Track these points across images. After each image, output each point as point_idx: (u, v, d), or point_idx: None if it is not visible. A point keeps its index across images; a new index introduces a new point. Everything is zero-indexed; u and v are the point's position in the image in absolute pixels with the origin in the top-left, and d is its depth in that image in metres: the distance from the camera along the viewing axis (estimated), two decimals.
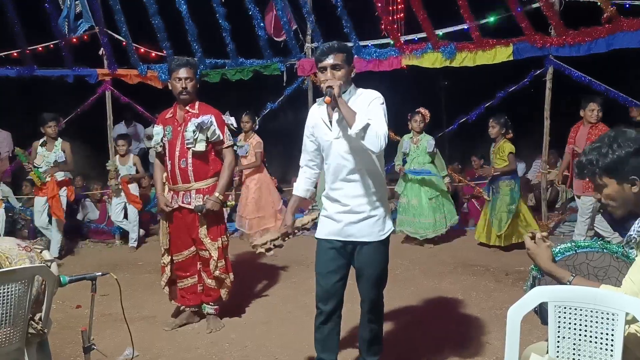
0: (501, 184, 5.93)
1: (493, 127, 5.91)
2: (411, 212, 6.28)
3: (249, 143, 6.63)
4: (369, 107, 2.67)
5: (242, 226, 6.75)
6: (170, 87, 3.90)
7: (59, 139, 6.06)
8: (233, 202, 5.74)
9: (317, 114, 2.87)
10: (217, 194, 3.82)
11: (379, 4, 6.87)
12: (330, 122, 2.78)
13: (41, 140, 6.01)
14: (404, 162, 6.39)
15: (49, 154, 5.96)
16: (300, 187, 3.04)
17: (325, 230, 2.88)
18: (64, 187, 6.09)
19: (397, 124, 5.86)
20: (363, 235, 2.81)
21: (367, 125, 2.53)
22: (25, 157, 6.14)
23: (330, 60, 2.67)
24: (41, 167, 5.95)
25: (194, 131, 3.75)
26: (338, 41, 2.79)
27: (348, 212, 2.80)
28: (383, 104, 2.72)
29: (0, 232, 5.98)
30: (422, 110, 6.32)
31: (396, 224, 6.36)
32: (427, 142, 6.21)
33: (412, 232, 6.28)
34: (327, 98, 2.55)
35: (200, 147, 3.78)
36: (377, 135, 2.55)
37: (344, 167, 2.76)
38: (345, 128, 2.69)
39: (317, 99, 2.92)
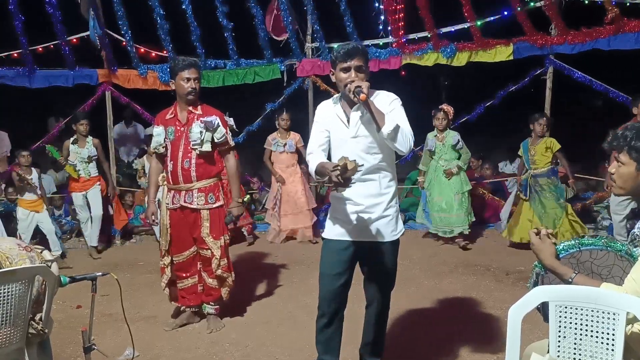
0: (542, 181, 5.77)
1: (546, 125, 5.72)
2: (435, 208, 6.13)
3: (292, 138, 6.63)
4: (390, 108, 2.68)
5: (273, 222, 6.68)
6: (173, 88, 3.89)
7: (89, 136, 6.19)
8: (248, 197, 5.71)
9: (331, 110, 2.83)
10: (237, 199, 3.94)
11: (380, 4, 6.88)
12: (348, 120, 2.76)
13: (72, 139, 6.16)
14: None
15: (82, 150, 6.10)
16: (319, 159, 2.74)
17: (336, 230, 2.84)
18: (98, 182, 6.23)
19: None
20: (376, 236, 2.79)
21: (398, 126, 2.55)
22: (57, 151, 6.24)
23: (355, 62, 2.66)
24: (75, 164, 6.11)
25: (201, 132, 3.75)
26: (359, 43, 2.81)
27: (361, 212, 2.77)
28: (402, 104, 2.74)
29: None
30: (444, 106, 6.10)
31: (417, 218, 6.34)
32: (452, 137, 6.03)
33: (434, 228, 6.14)
34: (363, 95, 2.51)
35: (207, 147, 3.79)
36: (406, 137, 2.60)
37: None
38: (364, 128, 2.70)
39: (333, 97, 2.90)
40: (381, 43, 7.37)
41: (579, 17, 6.55)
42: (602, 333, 1.81)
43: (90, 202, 6.20)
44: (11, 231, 6.11)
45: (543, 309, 2.09)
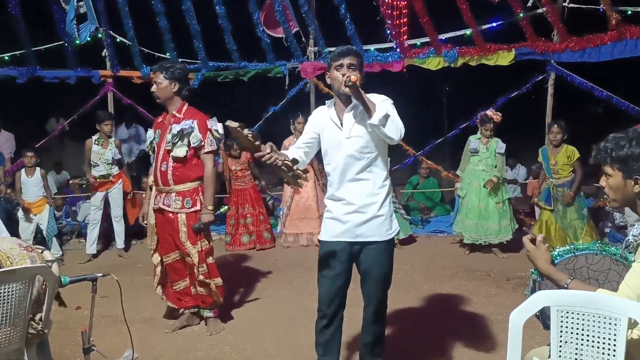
0: (566, 191, 5.60)
1: (558, 133, 5.54)
2: (473, 216, 5.90)
3: None
4: (381, 105, 2.69)
5: (285, 226, 6.62)
6: None
7: (112, 137, 6.09)
8: (227, 207, 5.58)
9: (325, 114, 2.87)
10: (208, 207, 3.79)
11: (383, 8, 6.90)
12: (341, 123, 2.79)
13: (94, 138, 5.97)
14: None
15: (105, 151, 5.96)
16: (292, 151, 2.87)
17: (331, 232, 2.86)
18: (120, 180, 6.15)
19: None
20: (371, 235, 2.81)
21: (388, 115, 2.59)
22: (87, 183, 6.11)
23: (348, 60, 2.72)
24: (98, 166, 5.96)
25: (173, 136, 3.75)
26: (359, 46, 2.83)
27: (355, 212, 2.79)
28: (392, 104, 2.77)
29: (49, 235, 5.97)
30: (491, 114, 5.85)
31: (454, 226, 6.17)
32: (497, 143, 5.83)
33: (474, 238, 5.90)
34: (354, 77, 2.53)
35: (180, 152, 3.74)
36: (397, 125, 2.63)
37: (352, 167, 2.77)
38: (357, 128, 2.73)
39: (327, 102, 2.93)
40: (384, 47, 7.39)
41: (581, 25, 6.56)
42: (604, 338, 1.81)
43: (112, 201, 6.08)
44: (14, 233, 6.08)
45: (542, 316, 2.09)
